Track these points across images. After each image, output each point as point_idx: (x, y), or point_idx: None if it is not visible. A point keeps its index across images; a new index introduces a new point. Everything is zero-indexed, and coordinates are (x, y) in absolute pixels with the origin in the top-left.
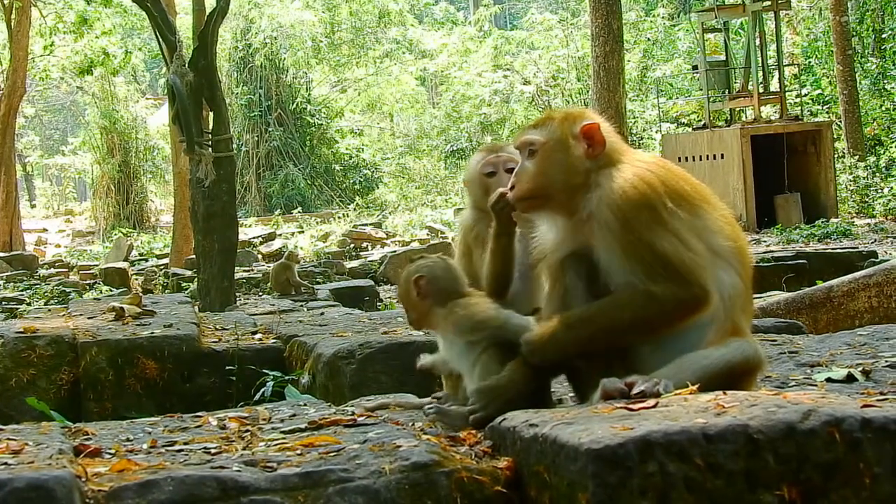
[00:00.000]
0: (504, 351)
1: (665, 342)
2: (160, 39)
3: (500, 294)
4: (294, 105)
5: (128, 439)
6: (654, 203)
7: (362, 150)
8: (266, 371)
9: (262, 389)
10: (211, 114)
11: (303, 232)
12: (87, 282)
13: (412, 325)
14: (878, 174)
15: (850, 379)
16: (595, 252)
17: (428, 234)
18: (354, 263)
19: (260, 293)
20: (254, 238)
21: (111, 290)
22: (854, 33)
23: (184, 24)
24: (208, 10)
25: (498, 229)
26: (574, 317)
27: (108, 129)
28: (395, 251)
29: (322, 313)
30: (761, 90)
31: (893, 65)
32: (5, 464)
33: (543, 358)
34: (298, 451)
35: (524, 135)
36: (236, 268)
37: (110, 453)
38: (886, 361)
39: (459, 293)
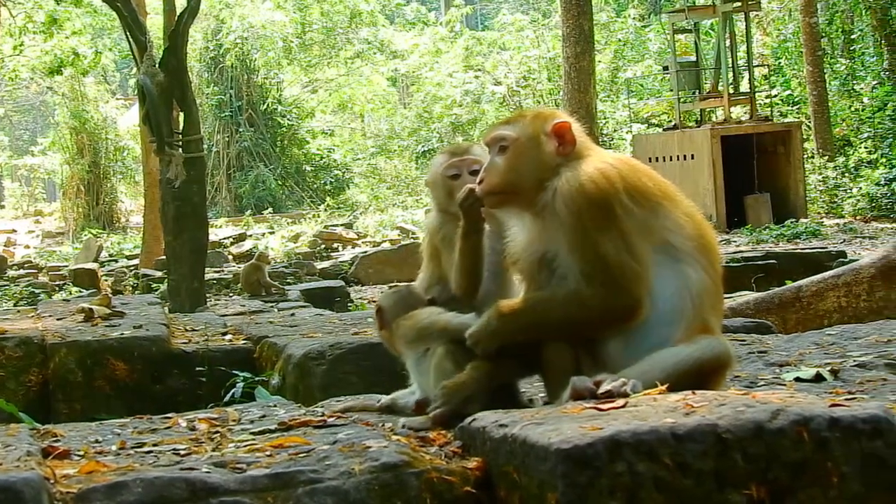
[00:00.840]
0: (459, 352)
1: (634, 339)
2: (130, 40)
3: (472, 294)
4: (265, 105)
5: (97, 441)
6: (609, 199)
7: (333, 150)
8: (236, 372)
9: (232, 390)
10: (181, 114)
11: (273, 232)
12: (57, 283)
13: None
14: (847, 174)
15: (818, 378)
16: (551, 244)
17: (399, 235)
18: (325, 264)
19: (230, 294)
20: (224, 239)
21: (81, 291)
22: (823, 34)
23: (154, 24)
24: (179, 11)
25: (466, 227)
26: (507, 307)
27: (78, 130)
28: (366, 252)
29: (292, 314)
30: (731, 91)
31: (862, 66)
32: None
33: (485, 347)
34: (268, 453)
35: (495, 130)
36: (207, 268)
37: (79, 455)
38: (855, 361)
39: None
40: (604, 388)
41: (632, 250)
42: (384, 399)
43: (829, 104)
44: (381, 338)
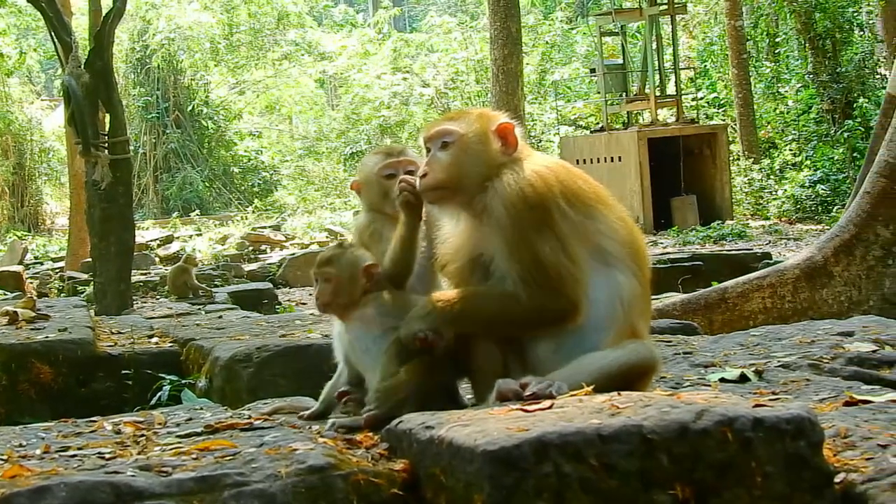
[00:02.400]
0: (404, 352)
1: (564, 343)
2: (55, 40)
3: (400, 284)
4: (191, 107)
5: (21, 445)
6: (548, 203)
7: (261, 152)
8: (162, 375)
9: (159, 394)
10: (107, 115)
11: (201, 234)
12: None
13: (326, 307)
14: (772, 176)
15: (743, 379)
16: (486, 246)
17: (327, 237)
18: (253, 266)
19: (157, 296)
20: (151, 241)
21: (5, 294)
22: (749, 37)
23: (80, 24)
24: (104, 11)
25: (401, 218)
26: (445, 298)
27: (2, 131)
28: (294, 254)
29: (220, 316)
30: (658, 93)
31: (787, 69)
32: None
33: (410, 331)
34: (194, 456)
35: (440, 125)
36: (133, 271)
37: (2, 459)
38: (779, 361)
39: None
40: (530, 390)
41: (568, 253)
42: (315, 408)
43: (755, 107)
44: (339, 288)
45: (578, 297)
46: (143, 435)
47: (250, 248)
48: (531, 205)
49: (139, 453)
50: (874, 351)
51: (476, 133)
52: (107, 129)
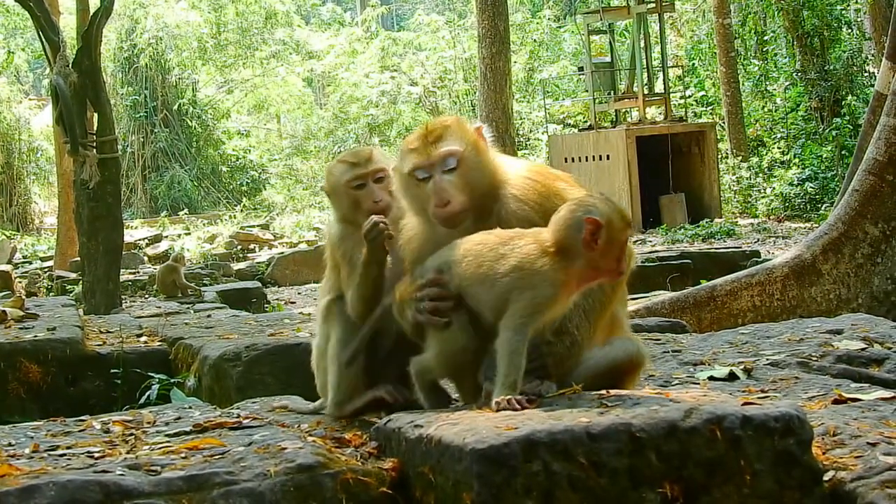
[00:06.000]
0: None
1: None
2: (43, 40)
3: (365, 317)
4: (180, 106)
5: (9, 444)
6: (555, 185)
7: (249, 151)
8: (151, 374)
9: (148, 392)
10: (95, 115)
11: (189, 234)
12: None
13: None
14: (760, 175)
15: (731, 377)
16: None
17: (315, 236)
18: (242, 265)
19: (146, 295)
20: (140, 240)
21: None
22: (737, 35)
23: (67, 23)
24: (92, 10)
25: (368, 257)
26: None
27: None
28: (282, 253)
29: (209, 315)
30: (646, 91)
31: (775, 67)
32: None
33: None
34: (183, 455)
35: (439, 148)
36: (122, 270)
37: None
38: (767, 359)
39: None
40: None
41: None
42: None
43: (743, 105)
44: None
45: None
46: (132, 434)
47: (239, 247)
48: (546, 193)
49: (128, 452)
50: (863, 349)
51: (472, 145)
52: (95, 128)
